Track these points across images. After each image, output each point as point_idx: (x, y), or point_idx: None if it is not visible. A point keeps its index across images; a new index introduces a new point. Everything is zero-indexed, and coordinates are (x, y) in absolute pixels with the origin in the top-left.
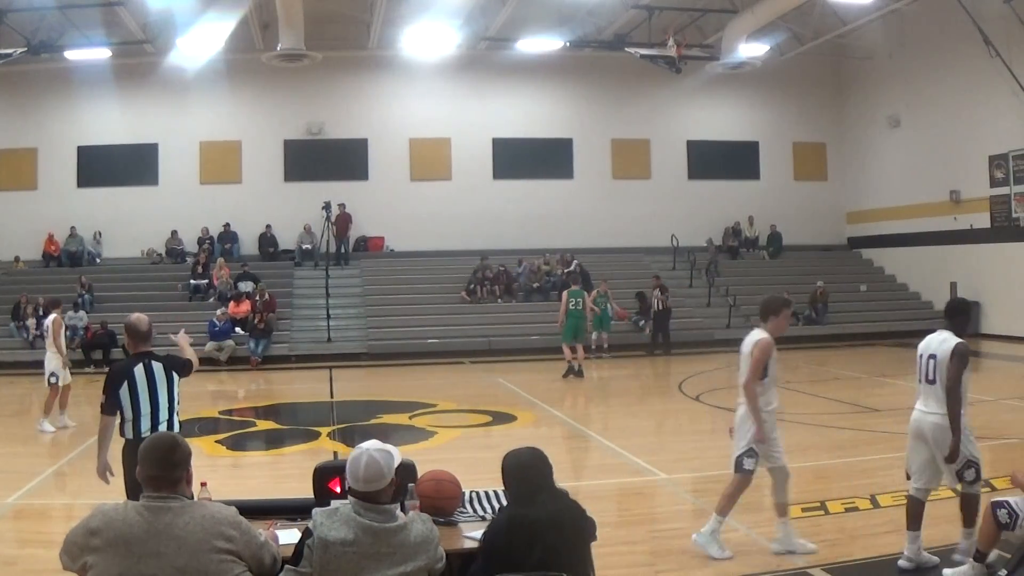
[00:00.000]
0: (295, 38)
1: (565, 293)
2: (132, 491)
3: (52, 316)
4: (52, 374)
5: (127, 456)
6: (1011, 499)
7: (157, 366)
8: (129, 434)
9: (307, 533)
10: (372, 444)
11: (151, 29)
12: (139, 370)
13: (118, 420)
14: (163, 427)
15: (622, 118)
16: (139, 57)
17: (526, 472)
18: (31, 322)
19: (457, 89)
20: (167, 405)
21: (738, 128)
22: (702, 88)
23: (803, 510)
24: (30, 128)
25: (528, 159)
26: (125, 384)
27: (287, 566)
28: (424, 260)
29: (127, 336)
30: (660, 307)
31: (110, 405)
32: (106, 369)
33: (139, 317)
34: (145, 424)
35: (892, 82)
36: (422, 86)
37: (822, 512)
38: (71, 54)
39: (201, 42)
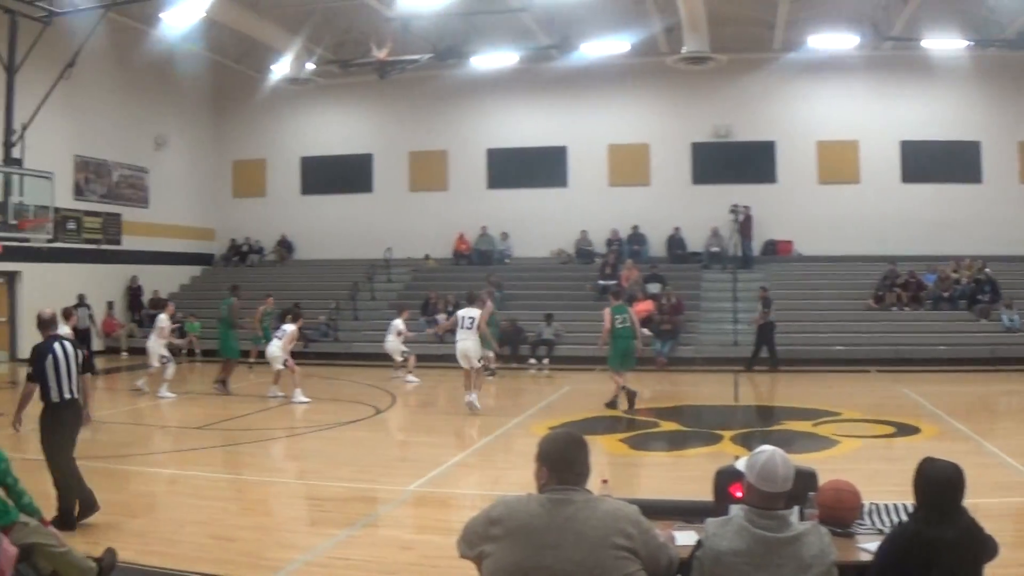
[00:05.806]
0: (700, 41)
1: (608, 311)
2: (52, 451)
3: (290, 327)
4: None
5: (47, 417)
6: None
7: (68, 345)
8: (55, 398)
9: (698, 545)
10: (774, 448)
11: (555, 34)
12: (57, 347)
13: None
14: (68, 395)
15: None
16: (544, 62)
17: (945, 489)
18: (441, 316)
19: (864, 90)
20: (76, 377)
21: None
22: None
23: None
24: (441, 131)
25: (935, 161)
26: (50, 358)
27: None
28: (831, 265)
29: (39, 327)
30: (763, 320)
31: (37, 375)
32: None
33: (42, 310)
34: (56, 391)
35: None
36: (828, 87)
37: None
38: (477, 60)
39: (605, 46)
